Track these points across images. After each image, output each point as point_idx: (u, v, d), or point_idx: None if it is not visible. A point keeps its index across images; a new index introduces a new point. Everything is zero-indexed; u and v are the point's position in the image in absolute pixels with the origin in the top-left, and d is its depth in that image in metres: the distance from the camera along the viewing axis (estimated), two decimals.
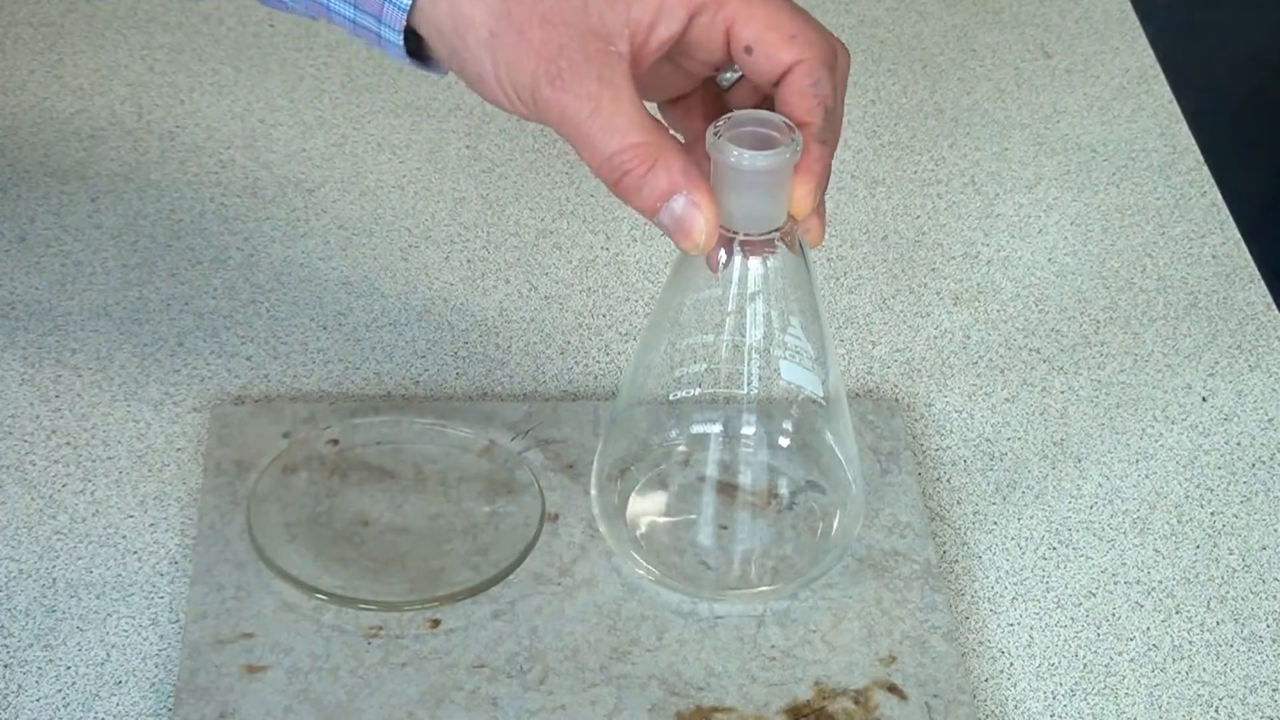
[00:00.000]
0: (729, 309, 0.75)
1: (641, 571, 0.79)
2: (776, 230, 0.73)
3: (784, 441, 0.80)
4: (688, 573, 0.79)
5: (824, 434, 0.79)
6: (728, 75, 0.75)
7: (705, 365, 0.77)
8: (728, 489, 0.80)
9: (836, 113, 0.72)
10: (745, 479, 0.80)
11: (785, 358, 0.77)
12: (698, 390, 0.78)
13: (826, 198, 0.73)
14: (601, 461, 0.80)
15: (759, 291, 0.75)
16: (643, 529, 0.80)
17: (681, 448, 0.81)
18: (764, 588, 0.79)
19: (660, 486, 0.81)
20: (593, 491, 0.80)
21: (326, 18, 0.73)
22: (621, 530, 0.80)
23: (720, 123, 0.71)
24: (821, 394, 0.78)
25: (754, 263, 0.74)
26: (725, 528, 0.80)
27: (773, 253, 0.74)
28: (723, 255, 0.73)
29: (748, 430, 0.79)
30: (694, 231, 0.69)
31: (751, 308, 0.75)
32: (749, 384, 0.77)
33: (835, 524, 0.80)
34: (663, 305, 0.77)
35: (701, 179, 0.70)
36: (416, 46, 0.73)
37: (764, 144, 0.70)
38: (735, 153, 0.70)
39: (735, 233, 0.72)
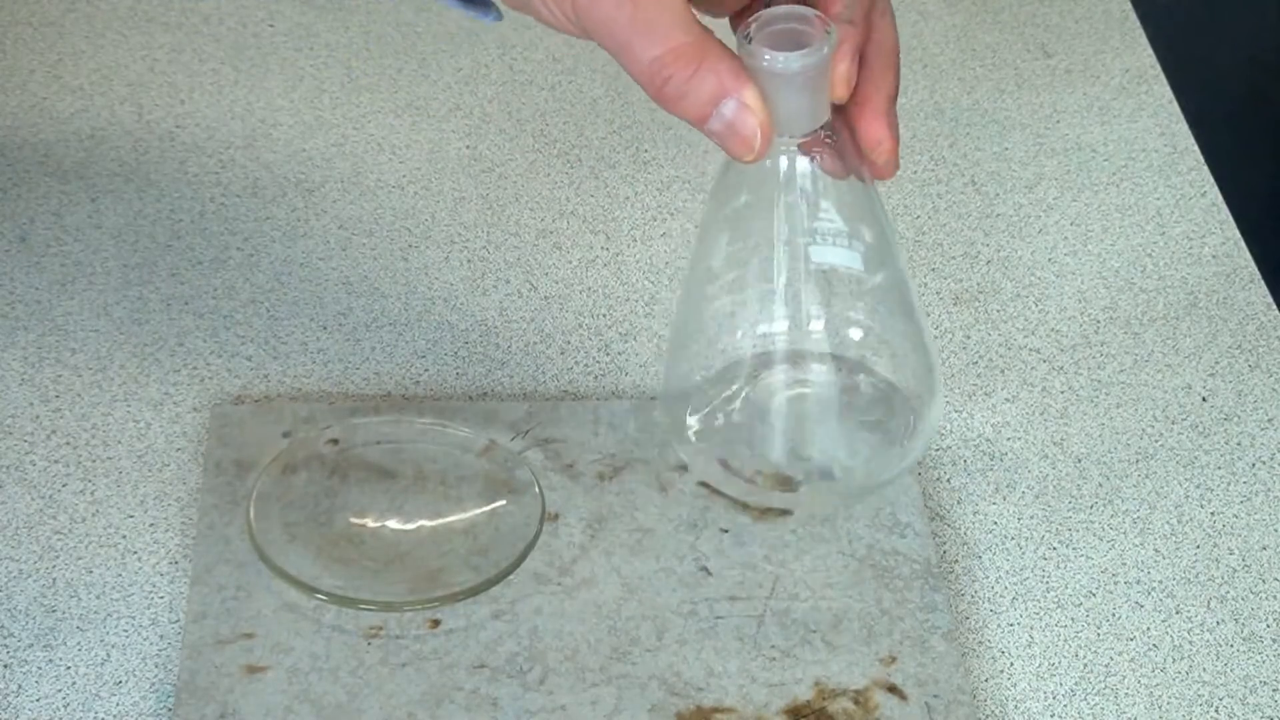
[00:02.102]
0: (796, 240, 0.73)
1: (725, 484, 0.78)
2: (821, 128, 0.70)
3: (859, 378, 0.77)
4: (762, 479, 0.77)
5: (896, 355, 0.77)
6: None
7: (783, 321, 0.75)
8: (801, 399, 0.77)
9: None
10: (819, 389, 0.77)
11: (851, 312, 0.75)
12: (774, 345, 0.75)
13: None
14: (669, 387, 0.78)
15: (826, 217, 0.73)
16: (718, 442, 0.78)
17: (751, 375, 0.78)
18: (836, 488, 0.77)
19: (731, 410, 0.79)
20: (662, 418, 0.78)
21: None
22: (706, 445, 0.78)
23: (750, 25, 0.68)
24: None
25: (811, 173, 0.72)
26: (798, 438, 0.78)
27: (826, 150, 0.71)
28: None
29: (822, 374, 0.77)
30: (748, 135, 0.65)
31: (819, 243, 0.73)
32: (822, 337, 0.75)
33: (913, 430, 0.78)
34: (715, 236, 0.74)
35: (751, 80, 0.66)
36: None
37: (797, 41, 0.67)
38: (767, 56, 0.66)
39: (781, 136, 0.69)
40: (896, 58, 0.70)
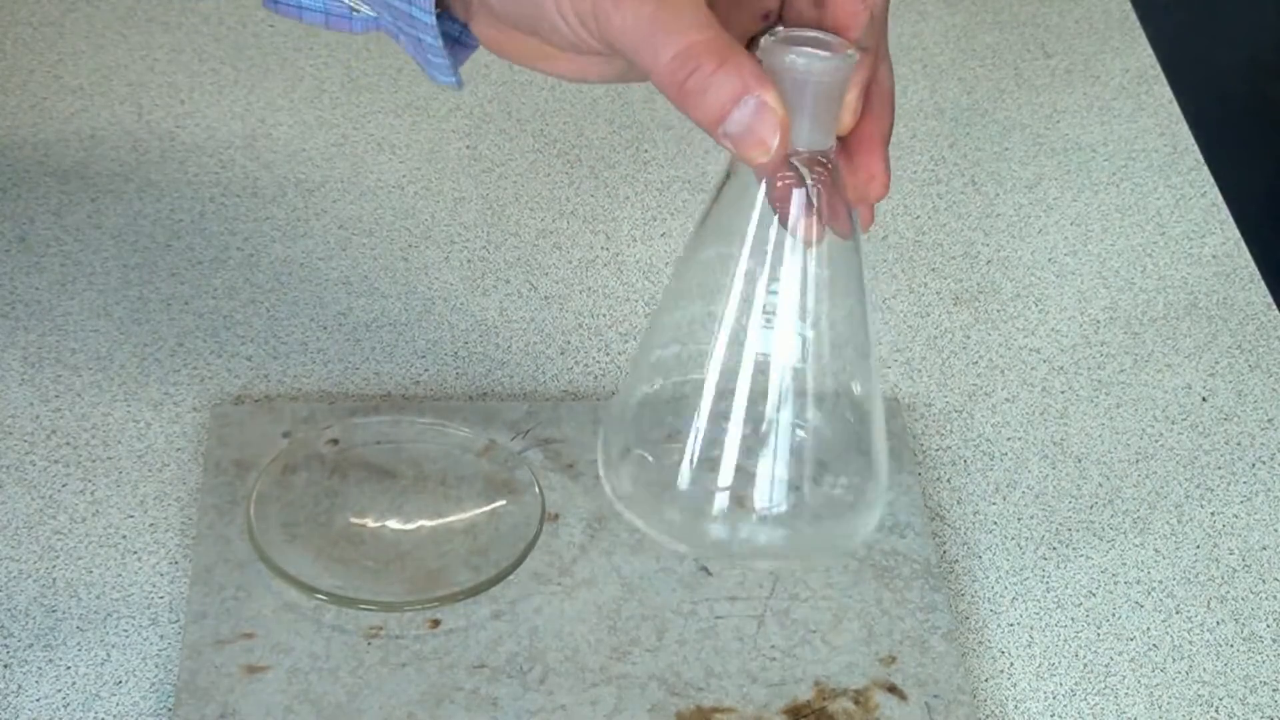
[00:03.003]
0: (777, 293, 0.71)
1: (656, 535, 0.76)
2: (822, 156, 0.69)
3: (807, 434, 0.76)
4: (697, 533, 0.75)
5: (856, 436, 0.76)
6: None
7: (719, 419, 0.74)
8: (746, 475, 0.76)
9: (880, 20, 0.68)
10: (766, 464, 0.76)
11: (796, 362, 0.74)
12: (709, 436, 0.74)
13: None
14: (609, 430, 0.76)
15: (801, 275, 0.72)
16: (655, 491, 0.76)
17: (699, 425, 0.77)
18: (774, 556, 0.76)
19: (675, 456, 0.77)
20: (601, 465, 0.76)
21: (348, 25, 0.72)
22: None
23: (771, 36, 0.67)
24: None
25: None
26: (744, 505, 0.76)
27: (826, 172, 0.71)
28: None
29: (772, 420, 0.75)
30: (767, 136, 0.64)
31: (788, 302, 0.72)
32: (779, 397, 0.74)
33: (857, 519, 0.77)
34: (694, 264, 0.73)
35: (771, 82, 0.64)
36: (449, 27, 0.71)
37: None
38: (793, 55, 0.65)
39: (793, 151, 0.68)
40: (893, 101, 0.70)
